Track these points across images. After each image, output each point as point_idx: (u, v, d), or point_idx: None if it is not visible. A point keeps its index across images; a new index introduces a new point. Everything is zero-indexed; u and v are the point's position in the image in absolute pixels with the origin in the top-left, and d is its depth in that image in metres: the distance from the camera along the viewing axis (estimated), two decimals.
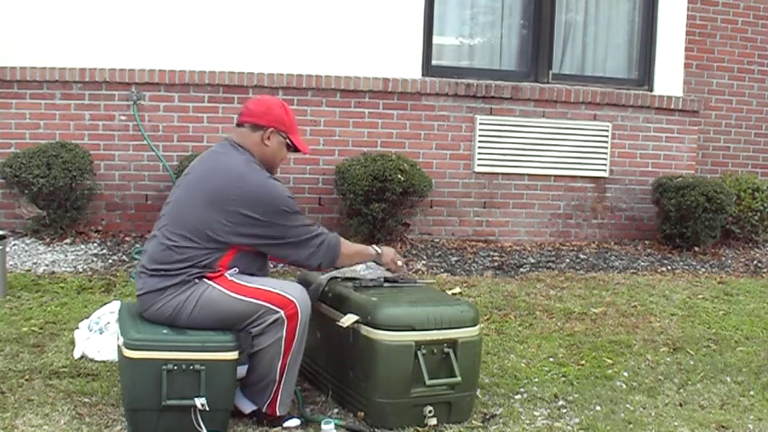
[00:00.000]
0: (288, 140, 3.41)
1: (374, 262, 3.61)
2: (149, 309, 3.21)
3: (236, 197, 3.18)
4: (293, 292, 3.23)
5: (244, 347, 3.25)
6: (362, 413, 3.33)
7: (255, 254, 3.31)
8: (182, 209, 3.24)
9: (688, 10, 7.34)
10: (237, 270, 3.25)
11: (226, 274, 3.22)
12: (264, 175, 3.31)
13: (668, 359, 4.35)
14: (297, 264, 3.40)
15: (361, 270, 3.61)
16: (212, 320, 3.17)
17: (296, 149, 3.47)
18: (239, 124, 3.41)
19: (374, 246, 3.66)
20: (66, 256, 5.64)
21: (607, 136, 7.01)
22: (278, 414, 3.27)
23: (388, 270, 3.64)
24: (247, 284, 3.21)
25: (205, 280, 3.19)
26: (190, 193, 3.27)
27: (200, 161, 3.41)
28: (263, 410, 3.27)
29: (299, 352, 3.26)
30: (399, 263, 3.67)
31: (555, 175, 6.94)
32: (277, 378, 3.23)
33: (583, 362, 4.22)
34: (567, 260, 6.38)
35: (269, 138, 3.36)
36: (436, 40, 6.82)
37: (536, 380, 3.96)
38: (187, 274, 3.17)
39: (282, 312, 3.16)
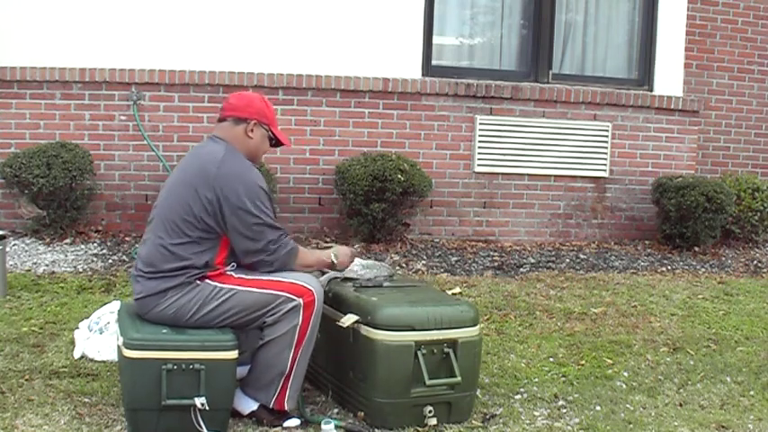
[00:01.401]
0: (270, 133, 3.44)
1: (330, 269, 3.56)
2: (150, 312, 3.21)
3: (214, 177, 3.18)
4: (308, 280, 3.25)
5: (244, 348, 3.25)
6: (362, 413, 3.34)
7: None
8: (169, 203, 3.25)
9: (688, 10, 7.35)
10: (235, 265, 3.26)
11: (227, 271, 3.24)
12: (244, 161, 3.31)
13: (668, 359, 4.35)
14: (249, 257, 3.27)
15: (358, 270, 3.61)
16: (227, 317, 3.17)
17: (278, 143, 3.49)
18: (221, 119, 3.43)
19: (331, 252, 3.57)
20: (67, 256, 5.64)
21: (607, 136, 7.01)
22: (286, 408, 3.27)
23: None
24: (260, 278, 3.23)
25: (208, 281, 3.20)
26: (174, 187, 3.29)
27: (185, 160, 3.44)
28: (271, 406, 3.27)
29: (311, 343, 3.26)
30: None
31: (555, 175, 6.94)
32: (287, 369, 3.23)
33: (583, 362, 4.22)
34: (567, 260, 6.38)
35: (252, 130, 3.38)
36: (436, 40, 6.82)
37: (536, 380, 3.96)
38: (186, 276, 3.17)
39: (301, 300, 3.18)
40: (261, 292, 3.19)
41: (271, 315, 3.19)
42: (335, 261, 3.56)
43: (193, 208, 3.18)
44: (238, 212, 3.18)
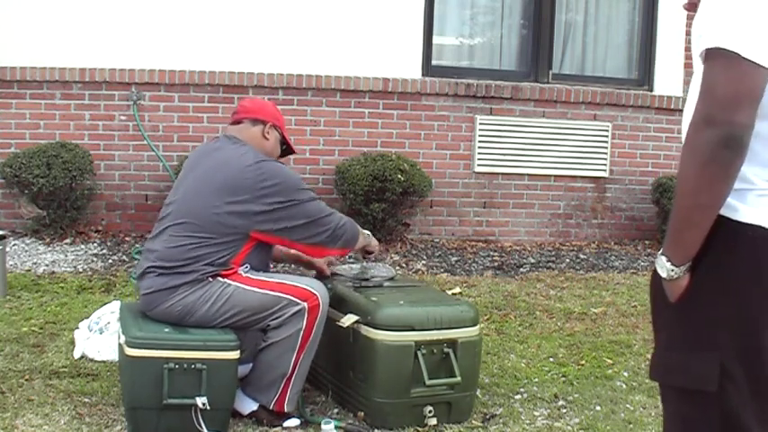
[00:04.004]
0: (282, 137, 3.51)
1: (366, 250, 3.61)
2: (157, 308, 3.20)
3: (253, 182, 3.20)
4: (315, 285, 3.27)
5: (245, 347, 3.25)
6: (362, 413, 3.34)
7: (266, 250, 3.34)
8: (193, 204, 3.24)
9: None
10: (249, 267, 3.27)
11: (239, 271, 3.24)
12: (276, 161, 3.39)
13: None
14: (317, 246, 3.35)
15: (360, 271, 3.61)
16: (230, 316, 3.17)
17: (288, 148, 3.57)
18: (236, 122, 3.46)
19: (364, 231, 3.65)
20: (66, 256, 5.64)
21: (607, 136, 7.01)
22: (285, 411, 3.27)
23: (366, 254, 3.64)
24: (267, 279, 3.24)
25: (219, 278, 3.20)
26: (201, 187, 3.26)
27: (204, 157, 3.42)
28: (270, 407, 3.27)
29: (314, 347, 3.27)
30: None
31: (555, 175, 6.94)
32: (289, 372, 3.23)
33: (583, 362, 4.22)
34: (567, 260, 6.38)
35: (268, 132, 3.43)
36: (436, 40, 6.82)
37: (536, 380, 3.95)
38: (200, 273, 3.17)
39: (305, 304, 3.19)
40: (266, 293, 3.19)
41: (275, 318, 3.19)
42: (369, 237, 3.57)
43: (229, 214, 3.18)
44: (296, 206, 3.24)
